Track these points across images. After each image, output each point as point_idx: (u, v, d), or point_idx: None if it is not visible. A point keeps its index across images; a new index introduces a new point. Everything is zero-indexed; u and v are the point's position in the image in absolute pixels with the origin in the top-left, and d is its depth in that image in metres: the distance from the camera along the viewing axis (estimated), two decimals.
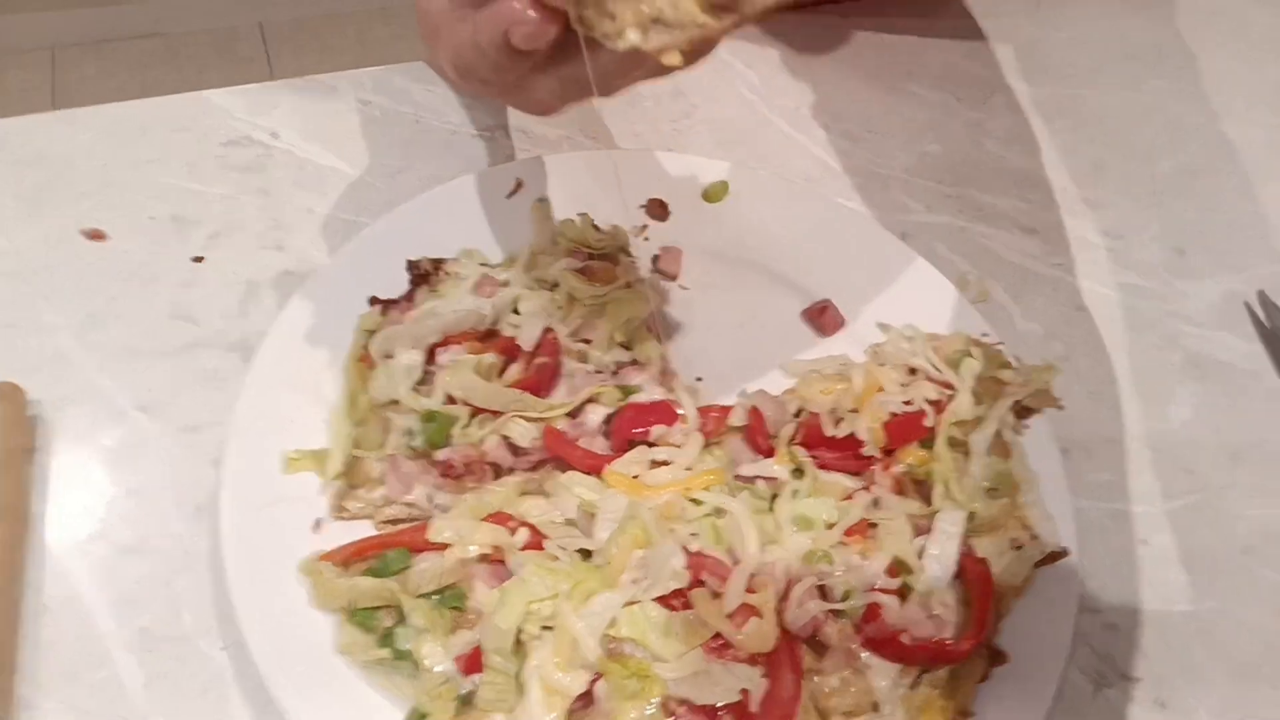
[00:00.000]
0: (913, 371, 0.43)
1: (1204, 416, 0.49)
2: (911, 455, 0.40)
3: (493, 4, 0.27)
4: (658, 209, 0.51)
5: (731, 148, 0.57)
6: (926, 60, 0.64)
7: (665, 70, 0.28)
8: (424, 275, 0.43)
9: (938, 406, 0.41)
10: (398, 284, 0.44)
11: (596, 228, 0.47)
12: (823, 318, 0.48)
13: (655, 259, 0.49)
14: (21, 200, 0.49)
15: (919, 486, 0.40)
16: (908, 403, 0.41)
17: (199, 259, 0.47)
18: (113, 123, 0.54)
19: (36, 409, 0.41)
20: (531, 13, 0.26)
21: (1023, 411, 0.43)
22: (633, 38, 0.22)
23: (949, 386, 0.42)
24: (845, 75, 0.62)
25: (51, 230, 0.48)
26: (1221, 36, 0.69)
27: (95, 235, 0.48)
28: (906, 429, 0.40)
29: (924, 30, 0.66)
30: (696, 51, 0.25)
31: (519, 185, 0.49)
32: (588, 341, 0.42)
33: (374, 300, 0.43)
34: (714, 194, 0.52)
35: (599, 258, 0.45)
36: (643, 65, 0.28)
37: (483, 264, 0.45)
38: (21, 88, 1.92)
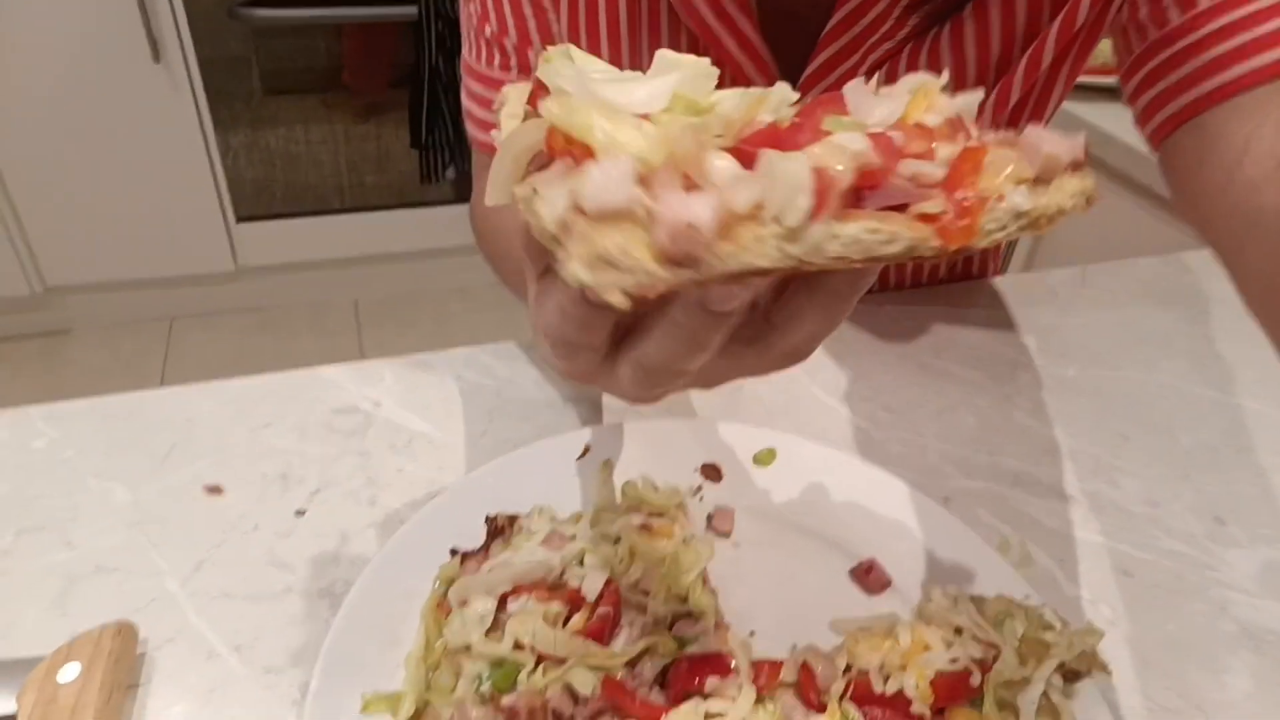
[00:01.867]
0: (958, 631, 0.45)
1: (1266, 689, 0.49)
2: (961, 716, 0.41)
3: None
4: (712, 472, 0.56)
5: (778, 418, 0.62)
6: (955, 342, 0.71)
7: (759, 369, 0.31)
8: (500, 529, 0.48)
9: (983, 666, 0.42)
10: (476, 538, 0.48)
11: (656, 489, 0.52)
12: (869, 577, 0.50)
13: (710, 518, 0.53)
14: (151, 459, 0.56)
15: None
16: (953, 661, 0.42)
17: (301, 512, 0.53)
18: (236, 393, 0.62)
19: (144, 647, 0.45)
20: None
21: (1070, 675, 0.44)
22: (578, 272, 0.23)
23: (993, 646, 0.43)
24: (879, 354, 0.69)
25: (171, 486, 0.55)
26: (1225, 322, 0.76)
27: (214, 490, 0.54)
28: (954, 687, 0.41)
29: (952, 318, 0.74)
30: (664, 299, 0.26)
31: (587, 449, 0.55)
32: (646, 593, 0.45)
33: (454, 551, 0.47)
34: (763, 459, 0.57)
35: (658, 516, 0.50)
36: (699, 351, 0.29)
37: (552, 519, 0.49)
38: (136, 352, 2.13)
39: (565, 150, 0.24)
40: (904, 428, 0.63)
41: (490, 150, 0.64)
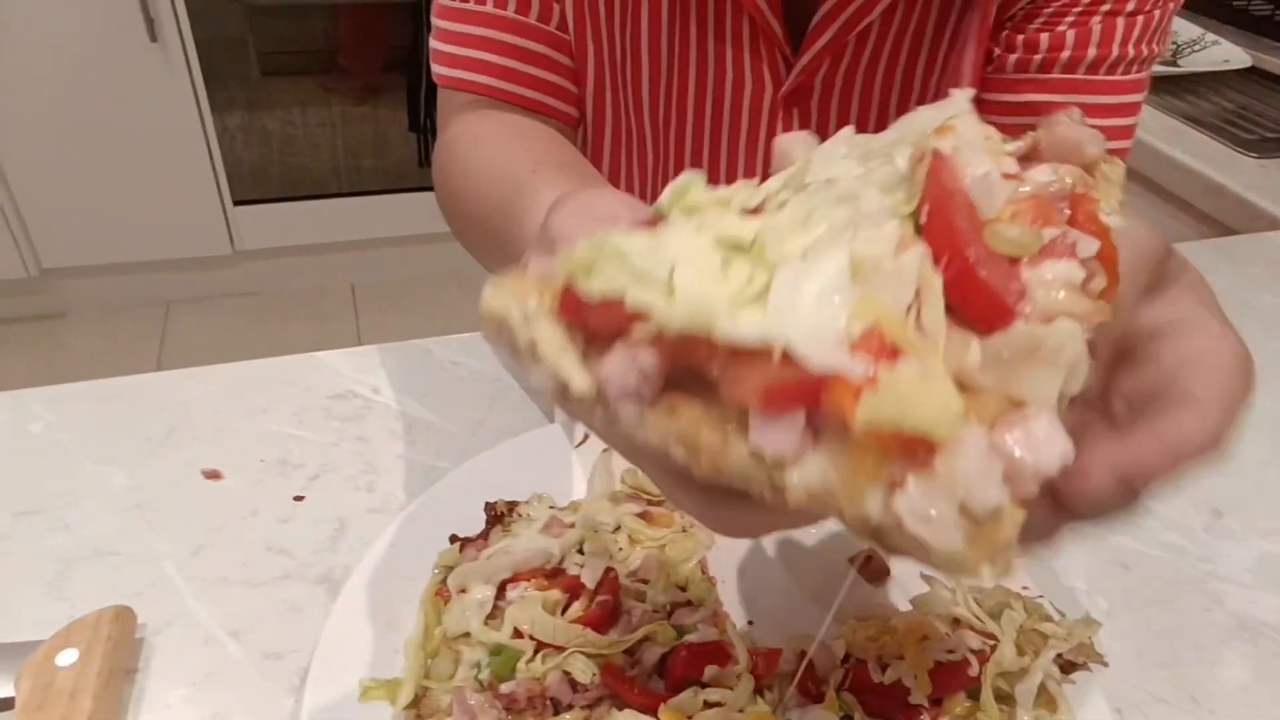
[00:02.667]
0: (956, 621, 0.45)
1: (1261, 680, 0.49)
2: (959, 706, 0.41)
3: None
4: None
5: None
6: None
7: None
8: (499, 516, 0.48)
9: (981, 656, 0.42)
10: (476, 525, 0.48)
11: None
12: (868, 566, 0.50)
13: None
14: (149, 443, 0.56)
15: None
16: (951, 651, 0.42)
17: (299, 498, 0.53)
18: (233, 377, 0.62)
19: (142, 632, 0.45)
20: None
21: (1067, 666, 0.44)
22: (986, 576, 0.20)
23: (991, 637, 0.43)
24: None
25: (171, 469, 0.54)
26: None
27: (212, 475, 0.54)
28: (951, 678, 0.41)
29: None
30: None
31: (586, 436, 0.55)
32: (645, 582, 0.45)
33: (453, 538, 0.47)
34: None
35: (657, 503, 0.50)
36: None
37: (552, 507, 0.49)
38: (132, 335, 2.13)
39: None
40: None
41: (457, 86, 0.60)
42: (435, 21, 0.61)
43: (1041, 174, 0.24)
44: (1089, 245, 0.23)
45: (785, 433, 0.20)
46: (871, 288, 0.21)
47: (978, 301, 0.21)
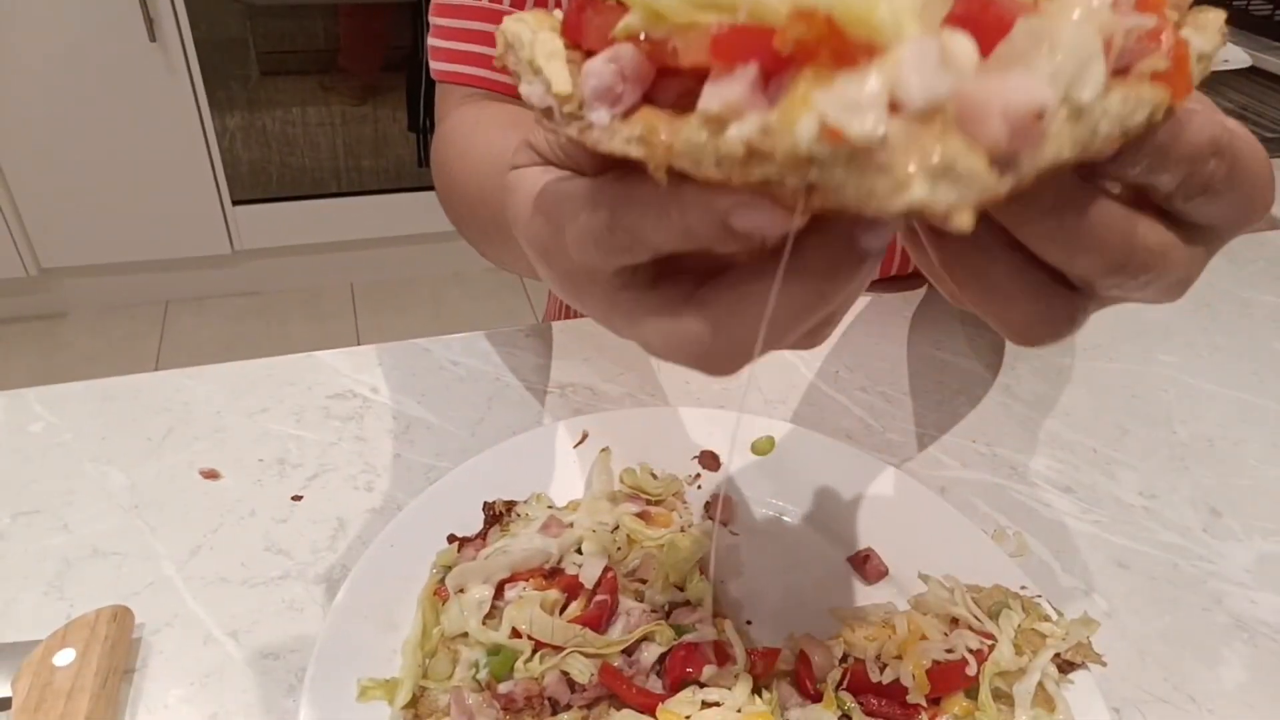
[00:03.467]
0: (954, 621, 0.45)
1: (1259, 680, 0.49)
2: (957, 705, 0.41)
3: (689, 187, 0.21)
4: (710, 460, 0.56)
5: (776, 406, 0.62)
6: (954, 332, 0.71)
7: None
8: (497, 515, 0.48)
9: (979, 656, 0.42)
10: (474, 524, 0.48)
11: (654, 476, 0.52)
12: (866, 566, 0.50)
13: (707, 506, 0.53)
14: (148, 443, 0.56)
15: None
16: (949, 651, 0.42)
17: (298, 497, 0.53)
18: (232, 376, 0.62)
19: (140, 632, 0.45)
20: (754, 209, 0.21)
21: (1065, 666, 0.44)
22: (920, 192, 0.17)
23: (990, 636, 0.43)
24: (878, 344, 0.69)
25: (168, 469, 0.54)
26: (1225, 317, 0.76)
27: (210, 475, 0.54)
28: (950, 677, 0.41)
29: (952, 308, 0.74)
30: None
31: (585, 436, 0.55)
32: (644, 581, 0.45)
33: (452, 537, 0.47)
34: (762, 448, 0.57)
35: (656, 503, 0.50)
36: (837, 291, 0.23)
37: (550, 506, 0.49)
38: (131, 335, 2.13)
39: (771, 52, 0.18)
40: (902, 417, 0.63)
41: (454, 80, 0.60)
42: (432, 19, 0.62)
43: None
44: (1143, 20, 0.20)
45: (734, 85, 0.19)
46: None
47: (984, 17, 0.19)
